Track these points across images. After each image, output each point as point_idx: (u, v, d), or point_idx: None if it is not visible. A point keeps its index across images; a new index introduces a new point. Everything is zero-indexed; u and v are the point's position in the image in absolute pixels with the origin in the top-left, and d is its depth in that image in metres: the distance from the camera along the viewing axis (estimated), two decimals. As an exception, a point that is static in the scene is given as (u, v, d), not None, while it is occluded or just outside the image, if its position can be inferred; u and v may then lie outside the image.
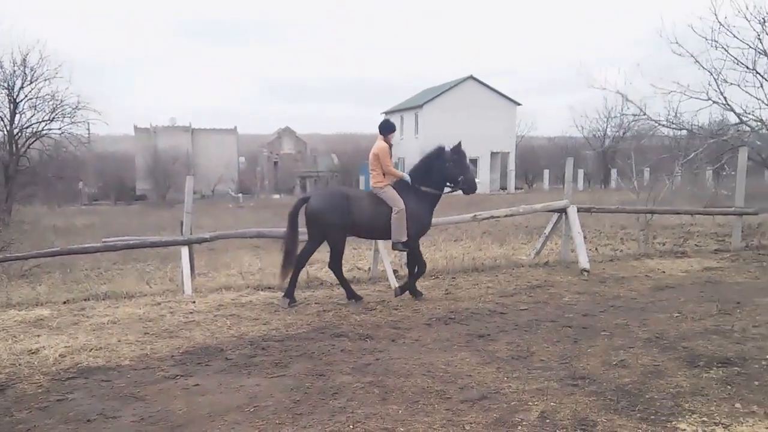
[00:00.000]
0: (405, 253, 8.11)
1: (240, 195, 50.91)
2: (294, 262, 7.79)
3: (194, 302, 7.99)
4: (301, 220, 7.78)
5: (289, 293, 7.81)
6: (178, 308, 7.68)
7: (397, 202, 7.68)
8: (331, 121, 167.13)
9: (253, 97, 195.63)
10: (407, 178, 7.95)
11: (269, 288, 8.99)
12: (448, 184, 8.07)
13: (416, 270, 8.08)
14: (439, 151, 8.00)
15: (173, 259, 11.91)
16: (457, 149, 7.99)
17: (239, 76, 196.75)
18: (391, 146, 8.01)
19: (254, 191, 55.47)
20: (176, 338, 6.32)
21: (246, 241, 15.36)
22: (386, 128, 8.03)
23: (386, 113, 59.82)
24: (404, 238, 7.72)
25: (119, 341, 6.21)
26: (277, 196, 51.41)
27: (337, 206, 7.63)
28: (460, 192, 8.24)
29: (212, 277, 10.70)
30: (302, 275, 9.88)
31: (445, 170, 7.92)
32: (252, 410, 4.38)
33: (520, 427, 4.01)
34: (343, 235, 7.83)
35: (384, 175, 7.86)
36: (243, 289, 8.92)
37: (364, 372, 5.12)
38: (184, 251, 9.15)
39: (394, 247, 7.88)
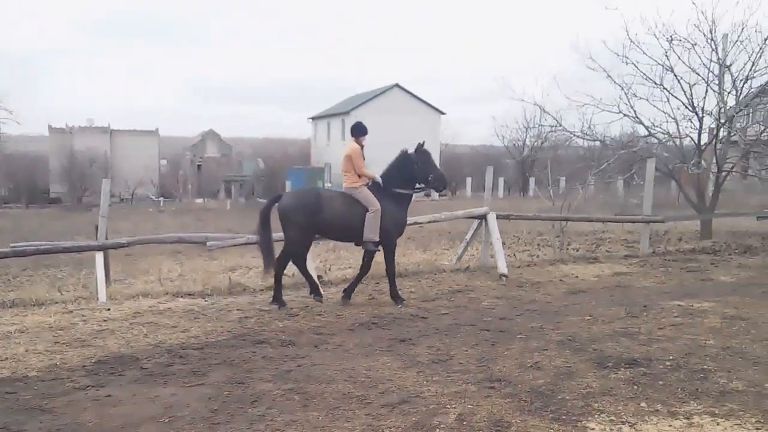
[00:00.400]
0: (356, 257, 8.22)
1: (161, 199, 49.45)
2: (273, 260, 7.80)
3: (109, 310, 7.71)
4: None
5: (315, 291, 8.04)
6: (91, 316, 7.39)
7: (372, 201, 7.78)
8: (258, 125, 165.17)
9: (176, 98, 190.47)
10: (379, 179, 8.07)
11: (189, 294, 8.79)
12: (418, 184, 8.23)
13: (363, 273, 8.22)
14: (404, 154, 8.19)
15: (88, 265, 11.46)
16: (422, 150, 8.16)
17: (162, 76, 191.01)
18: (362, 147, 8.14)
19: (176, 195, 54.00)
20: (88, 347, 6.09)
21: (166, 247, 14.96)
22: (358, 130, 8.17)
23: (314, 118, 59.68)
24: (377, 238, 7.82)
25: (27, 351, 5.93)
26: (200, 201, 50.24)
27: (306, 205, 7.67)
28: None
29: (129, 284, 10.38)
30: (225, 281, 9.77)
31: (414, 172, 8.09)
32: (167, 421, 4.27)
33: (438, 430, 4.08)
34: (304, 237, 7.84)
35: (359, 176, 7.95)
36: (161, 296, 8.68)
37: (285, 379, 5.09)
38: (99, 257, 8.83)
39: (365, 246, 7.93)
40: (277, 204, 7.83)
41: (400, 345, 6.08)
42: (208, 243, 9.35)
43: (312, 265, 9.32)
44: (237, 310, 7.69)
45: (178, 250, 15.65)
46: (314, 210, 7.64)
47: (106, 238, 9.10)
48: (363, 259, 8.21)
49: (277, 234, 7.96)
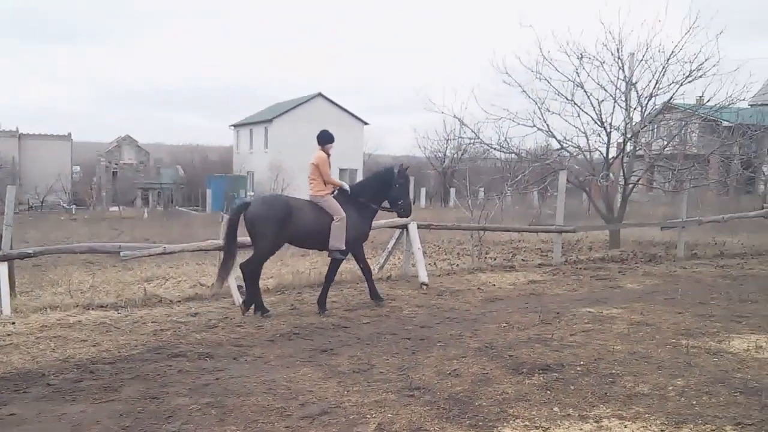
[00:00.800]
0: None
1: (73, 206, 47.26)
2: (231, 270, 7.78)
3: (13, 323, 7.32)
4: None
5: (259, 305, 7.77)
6: (-7, 331, 6.99)
7: (337, 210, 7.86)
8: (177, 132, 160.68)
9: (90, 102, 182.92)
10: (346, 187, 8.22)
11: (101, 307, 8.44)
12: (385, 204, 8.44)
13: (329, 279, 8.26)
14: (389, 170, 8.43)
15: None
16: (404, 173, 8.41)
17: (74, 79, 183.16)
18: (329, 156, 8.18)
19: (90, 203, 51.73)
20: (-10, 364, 5.75)
21: (77, 257, 14.30)
22: (325, 139, 8.20)
23: (235, 126, 58.65)
24: (342, 246, 7.91)
25: None
26: (115, 209, 48.29)
27: (277, 214, 7.62)
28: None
29: (36, 296, 9.87)
30: (139, 293, 9.45)
31: (390, 191, 8.30)
32: (76, 439, 4.09)
33: (357, 440, 4.09)
34: (274, 245, 7.81)
35: (324, 184, 8.00)
36: (71, 308, 8.29)
37: (202, 393, 4.97)
38: (3, 267, 8.34)
39: (331, 254, 8.01)
40: (244, 213, 7.74)
41: (321, 355, 6.06)
42: (121, 253, 9.01)
43: (233, 275, 9.15)
44: (152, 322, 7.45)
45: (91, 261, 14.98)
46: (285, 219, 7.64)
47: (11, 248, 8.63)
48: (329, 267, 8.28)
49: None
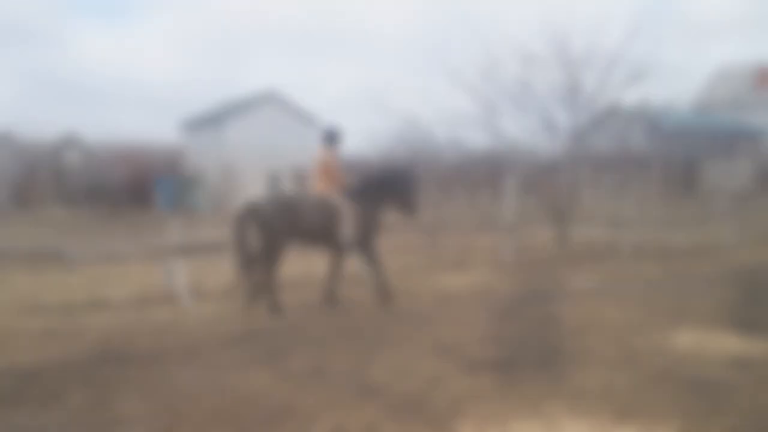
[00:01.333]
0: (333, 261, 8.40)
1: (14, 207, 45.64)
2: (248, 269, 7.76)
3: (-49, 330, 7.03)
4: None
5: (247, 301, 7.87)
6: (-71, 338, 6.70)
7: (344, 205, 7.98)
8: (125, 130, 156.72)
9: (31, 98, 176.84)
10: (355, 184, 8.32)
11: (46, 311, 8.18)
12: (394, 202, 8.51)
13: (336, 275, 8.45)
14: (397, 171, 8.70)
15: (-75, 282, 10.38)
16: (413, 174, 8.64)
17: (12, 73, 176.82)
18: (337, 153, 8.38)
19: (32, 203, 50.06)
20: (-74, 373, 5.52)
21: (19, 260, 13.81)
22: (333, 137, 8.39)
23: (185, 124, 57.68)
24: (355, 240, 8.05)
25: None
26: (58, 210, 46.89)
27: (284, 212, 7.64)
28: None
29: (-25, 301, 9.48)
30: (86, 296, 9.19)
31: (397, 191, 8.42)
32: (19, 449, 3.97)
33: (311, 442, 4.08)
34: (284, 243, 7.82)
35: (331, 181, 8.15)
36: (14, 313, 8.02)
37: (152, 398, 4.88)
38: (-61, 272, 8.03)
39: (344, 248, 8.18)
40: (251, 212, 7.71)
41: (274, 357, 6.02)
42: (67, 255, 8.77)
43: (183, 280, 9.01)
44: (99, 326, 7.27)
45: (34, 264, 14.49)
46: (294, 215, 7.70)
47: (-52, 252, 8.30)
48: (332, 263, 8.43)
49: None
